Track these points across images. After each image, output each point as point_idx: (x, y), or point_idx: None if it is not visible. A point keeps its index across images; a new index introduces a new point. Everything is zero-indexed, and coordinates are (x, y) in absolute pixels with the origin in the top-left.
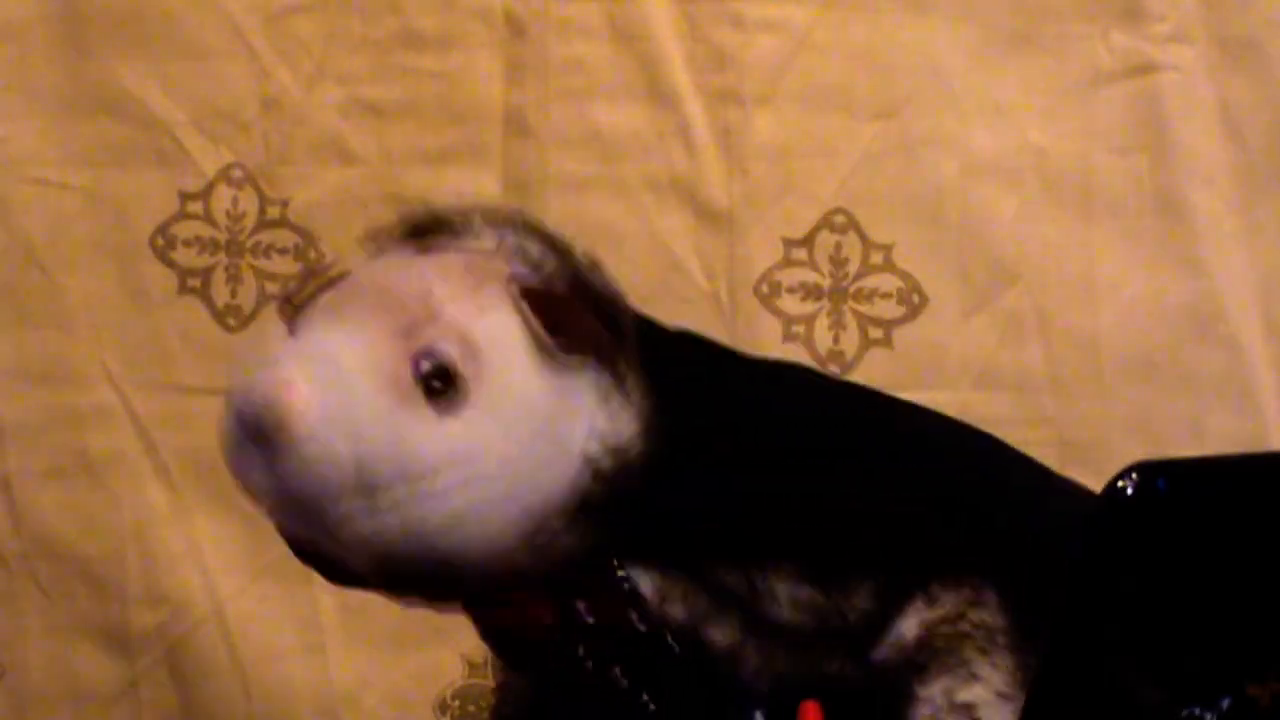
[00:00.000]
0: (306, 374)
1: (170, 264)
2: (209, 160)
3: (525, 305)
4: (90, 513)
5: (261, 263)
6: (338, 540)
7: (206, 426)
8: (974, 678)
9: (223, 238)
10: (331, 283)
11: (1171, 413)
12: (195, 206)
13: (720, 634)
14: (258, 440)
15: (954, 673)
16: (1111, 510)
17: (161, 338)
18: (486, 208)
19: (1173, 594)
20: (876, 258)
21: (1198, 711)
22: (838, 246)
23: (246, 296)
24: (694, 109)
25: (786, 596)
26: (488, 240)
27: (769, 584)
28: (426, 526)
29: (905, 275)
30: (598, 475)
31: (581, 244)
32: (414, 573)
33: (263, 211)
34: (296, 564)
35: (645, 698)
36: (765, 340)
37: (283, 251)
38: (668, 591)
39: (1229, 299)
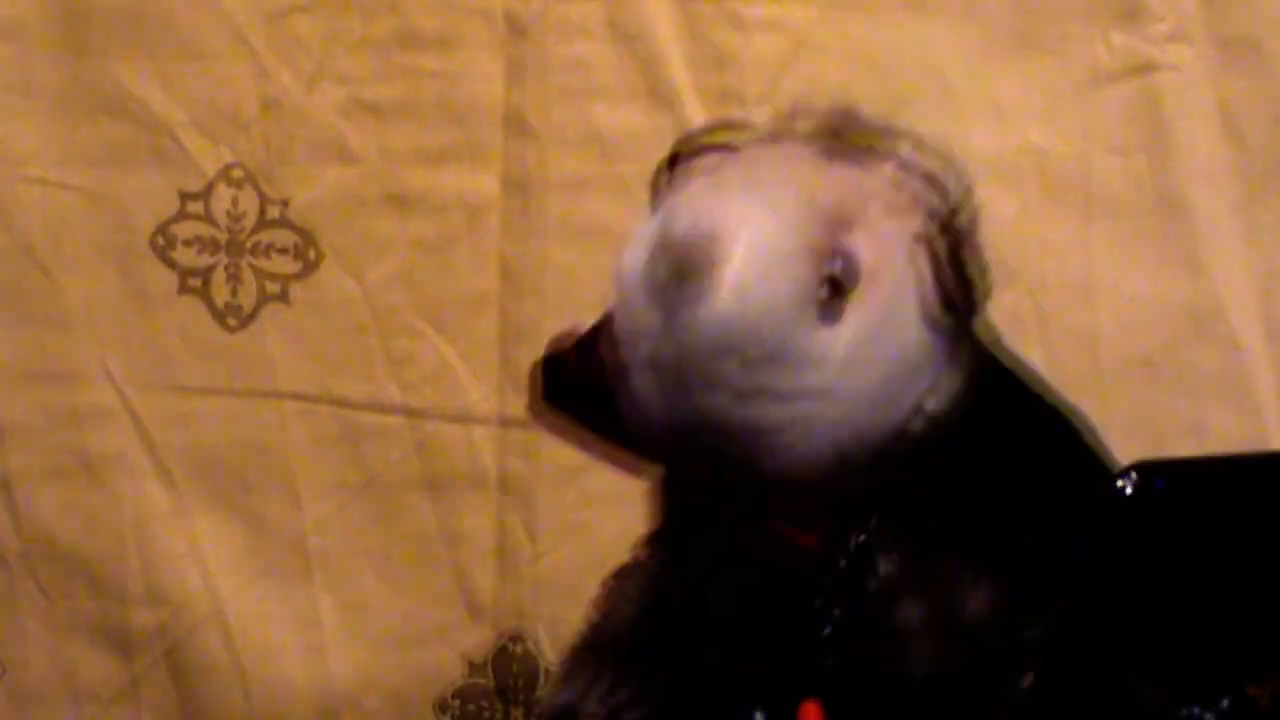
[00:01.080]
0: (743, 230)
1: (170, 264)
2: (209, 160)
3: (930, 257)
4: (90, 513)
5: (261, 262)
6: (690, 404)
7: (207, 426)
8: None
9: (223, 237)
10: (728, 149)
11: (1171, 413)
12: (195, 206)
13: (908, 614)
14: (688, 267)
15: None
16: (1111, 510)
17: (161, 338)
18: (910, 131)
19: (1173, 594)
20: None
21: (1198, 711)
22: None
23: (246, 296)
24: (694, 109)
25: (984, 592)
26: (906, 167)
27: (974, 578)
28: (762, 427)
29: None
30: (908, 435)
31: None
32: (704, 454)
33: (263, 211)
34: (296, 564)
35: (828, 628)
36: None
37: (283, 251)
38: (893, 554)
39: (1229, 299)
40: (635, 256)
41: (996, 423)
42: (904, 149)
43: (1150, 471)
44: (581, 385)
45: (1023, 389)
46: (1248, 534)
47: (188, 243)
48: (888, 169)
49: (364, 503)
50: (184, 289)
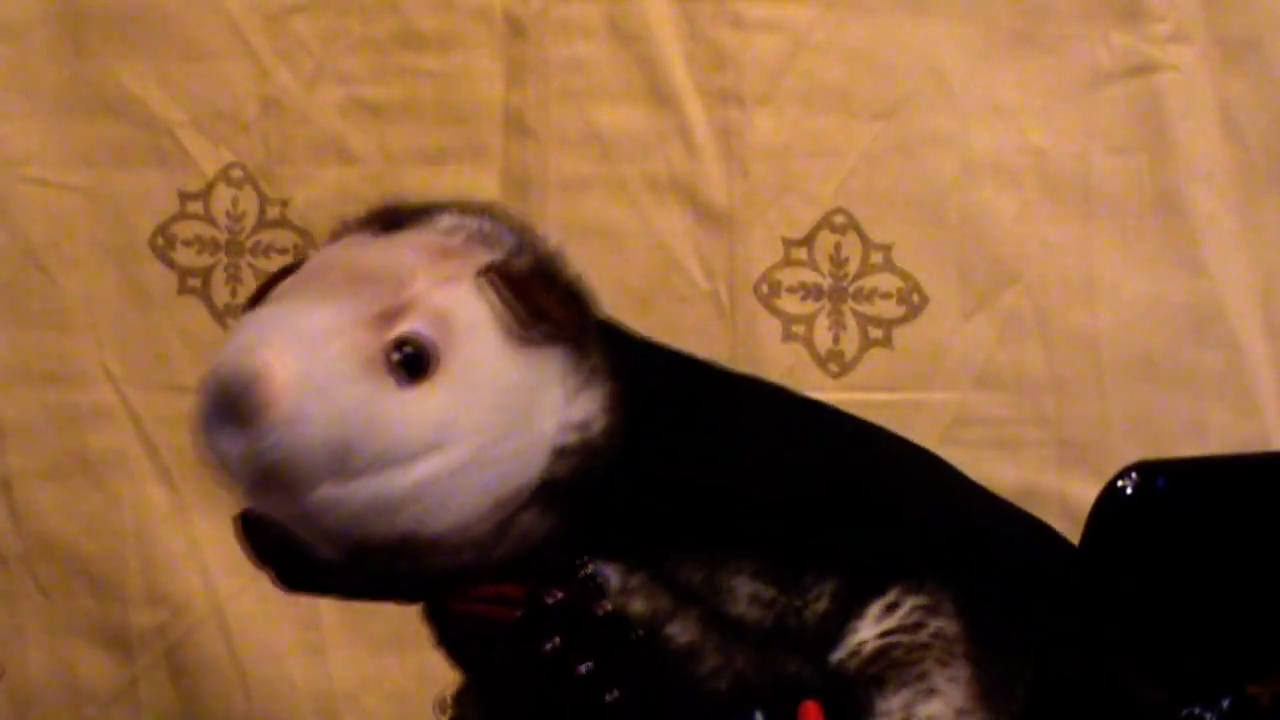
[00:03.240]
0: (285, 348)
1: (170, 264)
2: (209, 160)
3: (497, 286)
4: (90, 513)
5: (261, 262)
6: (309, 519)
7: None
8: (932, 692)
9: (223, 238)
10: (294, 268)
11: (1171, 413)
12: (195, 206)
13: (681, 631)
14: (236, 415)
15: (913, 686)
16: (1111, 510)
17: (161, 338)
18: (454, 200)
19: (1173, 594)
20: (876, 258)
21: (1198, 711)
22: (838, 246)
23: (246, 296)
24: (694, 109)
25: (746, 594)
26: (452, 226)
27: (730, 581)
28: (399, 502)
29: (905, 275)
30: (563, 456)
31: (553, 237)
32: (382, 554)
33: (263, 211)
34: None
35: (609, 691)
36: (765, 340)
37: (282, 251)
38: (630, 587)
39: (1229, 299)
40: (201, 391)
41: (664, 417)
42: (447, 214)
43: (1150, 471)
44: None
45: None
46: (1248, 534)
47: (188, 243)
48: (435, 228)
49: None
50: (184, 289)
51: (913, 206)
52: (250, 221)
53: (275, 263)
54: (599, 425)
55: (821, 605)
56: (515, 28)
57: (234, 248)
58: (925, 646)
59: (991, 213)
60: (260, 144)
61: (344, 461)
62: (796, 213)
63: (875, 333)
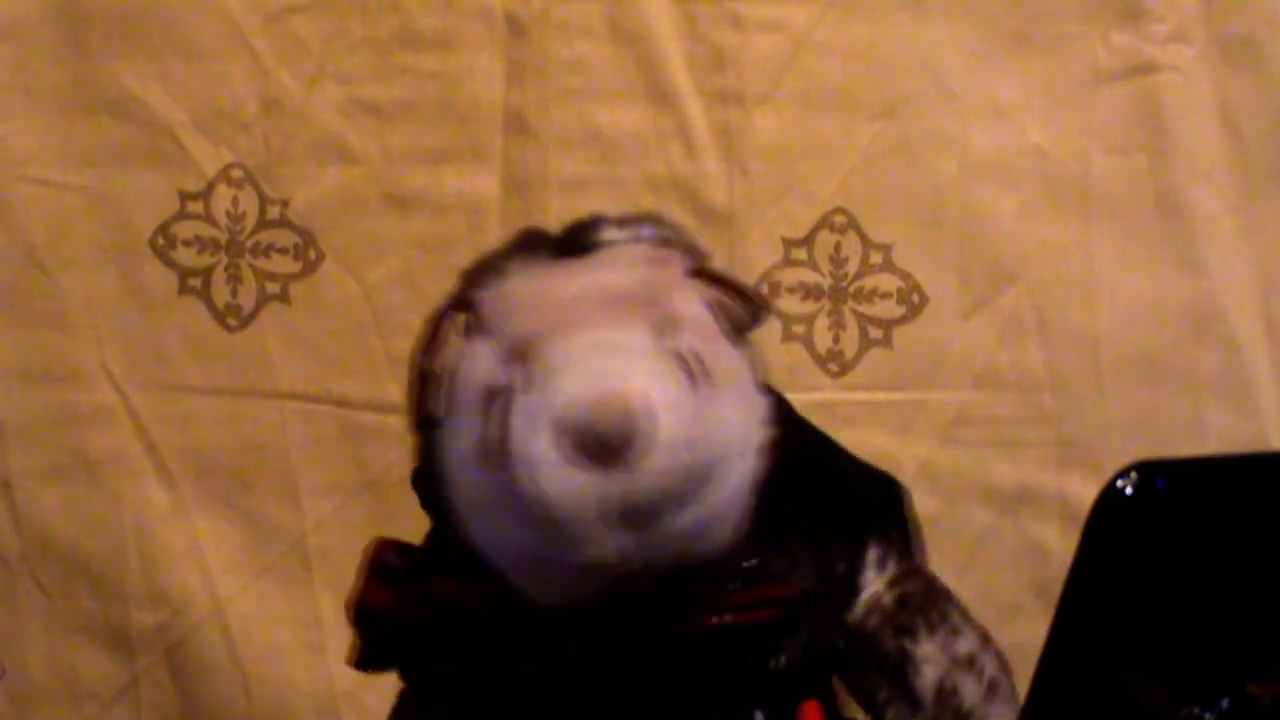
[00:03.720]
0: (633, 374)
1: (170, 264)
2: (209, 160)
3: (719, 284)
4: (90, 513)
5: (261, 263)
6: (654, 550)
7: (206, 426)
8: (957, 631)
9: (223, 238)
10: (459, 305)
11: (1171, 413)
12: (195, 206)
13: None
14: (613, 452)
15: (941, 629)
16: (1111, 510)
17: (161, 338)
18: (599, 215)
19: (1173, 594)
20: (876, 258)
21: (1198, 711)
22: (837, 246)
23: (246, 296)
24: (694, 109)
25: (807, 563)
26: (635, 236)
27: (796, 554)
28: (720, 516)
29: (905, 275)
30: (764, 453)
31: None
32: (651, 584)
33: (263, 211)
34: (296, 563)
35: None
36: (765, 340)
37: (283, 251)
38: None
39: (1229, 299)
40: (540, 446)
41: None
42: (610, 227)
43: (1150, 471)
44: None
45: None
46: (1248, 534)
47: (188, 243)
48: (627, 242)
49: (364, 503)
50: (184, 289)
51: (913, 206)
52: (250, 222)
53: (276, 263)
54: (777, 418)
55: (841, 566)
56: (515, 28)
57: (234, 248)
58: (931, 588)
59: (991, 213)
60: (260, 144)
61: (703, 480)
62: (796, 213)
63: (875, 333)
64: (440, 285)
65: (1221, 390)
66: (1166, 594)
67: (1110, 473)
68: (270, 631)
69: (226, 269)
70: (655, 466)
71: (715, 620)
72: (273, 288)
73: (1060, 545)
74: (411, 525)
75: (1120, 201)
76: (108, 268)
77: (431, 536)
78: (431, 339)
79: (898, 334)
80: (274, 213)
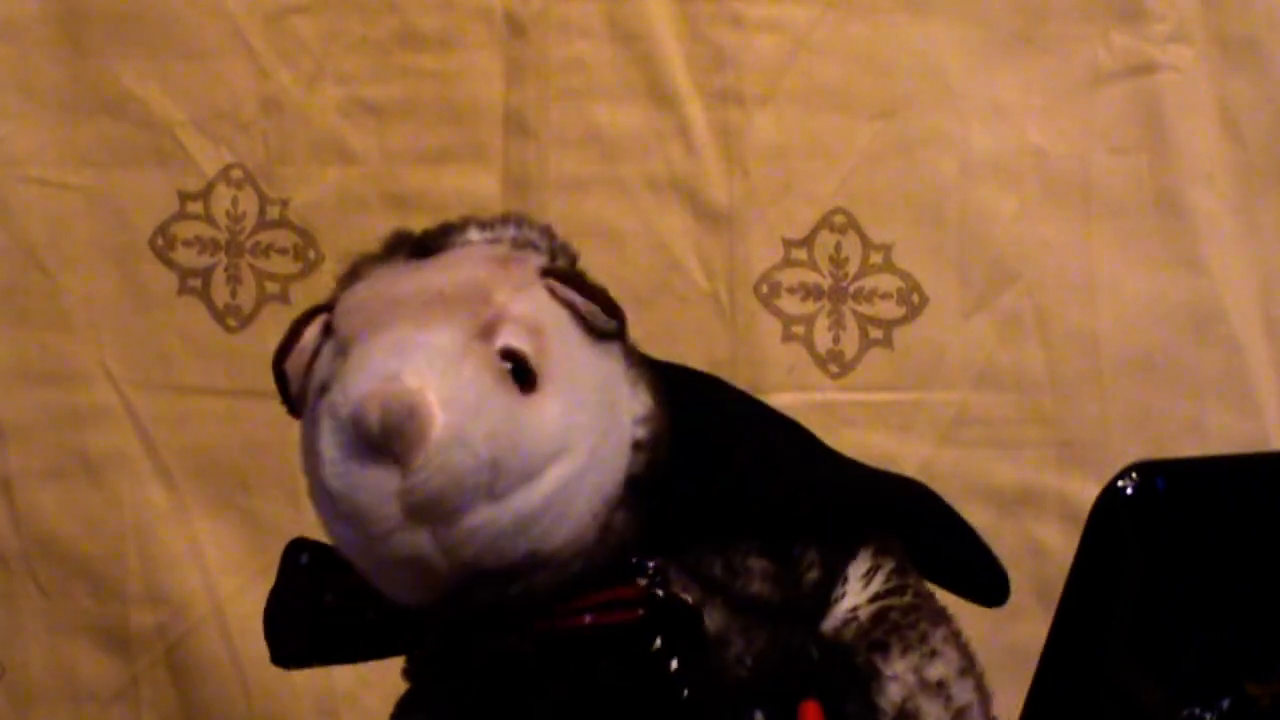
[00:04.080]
0: (429, 371)
1: (170, 264)
2: (209, 160)
3: (571, 285)
4: (90, 513)
5: (261, 263)
6: (451, 549)
7: (206, 426)
8: (935, 654)
9: (223, 238)
10: (319, 311)
11: (1171, 413)
12: (195, 206)
13: (711, 620)
14: (393, 447)
15: (916, 649)
16: (1111, 510)
17: (161, 338)
18: (470, 216)
19: (1172, 594)
20: (876, 258)
21: (1198, 711)
22: (837, 246)
23: (246, 296)
24: (694, 109)
25: (759, 570)
26: (490, 238)
27: (743, 561)
28: (536, 514)
29: (905, 275)
30: (639, 450)
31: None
32: (496, 582)
33: (263, 211)
34: None
35: (685, 687)
36: (765, 340)
37: (282, 251)
38: (670, 582)
39: (1229, 299)
40: (327, 443)
41: (691, 424)
42: (473, 228)
43: (1150, 471)
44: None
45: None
46: (1248, 534)
47: (188, 243)
48: (477, 242)
49: None
50: (184, 289)
51: (913, 206)
52: (250, 222)
53: (275, 263)
54: (658, 417)
55: (813, 575)
56: (515, 28)
57: (234, 248)
58: (916, 608)
59: (991, 213)
60: (260, 144)
61: (494, 478)
62: (796, 213)
63: (875, 333)
64: None
65: (1221, 390)
66: (1166, 594)
67: (1110, 473)
68: None
69: (226, 269)
70: (432, 463)
71: (573, 621)
72: (273, 288)
73: (1060, 545)
74: None
75: (1120, 201)
76: (108, 268)
77: None
78: (286, 340)
79: (898, 334)
80: (274, 213)
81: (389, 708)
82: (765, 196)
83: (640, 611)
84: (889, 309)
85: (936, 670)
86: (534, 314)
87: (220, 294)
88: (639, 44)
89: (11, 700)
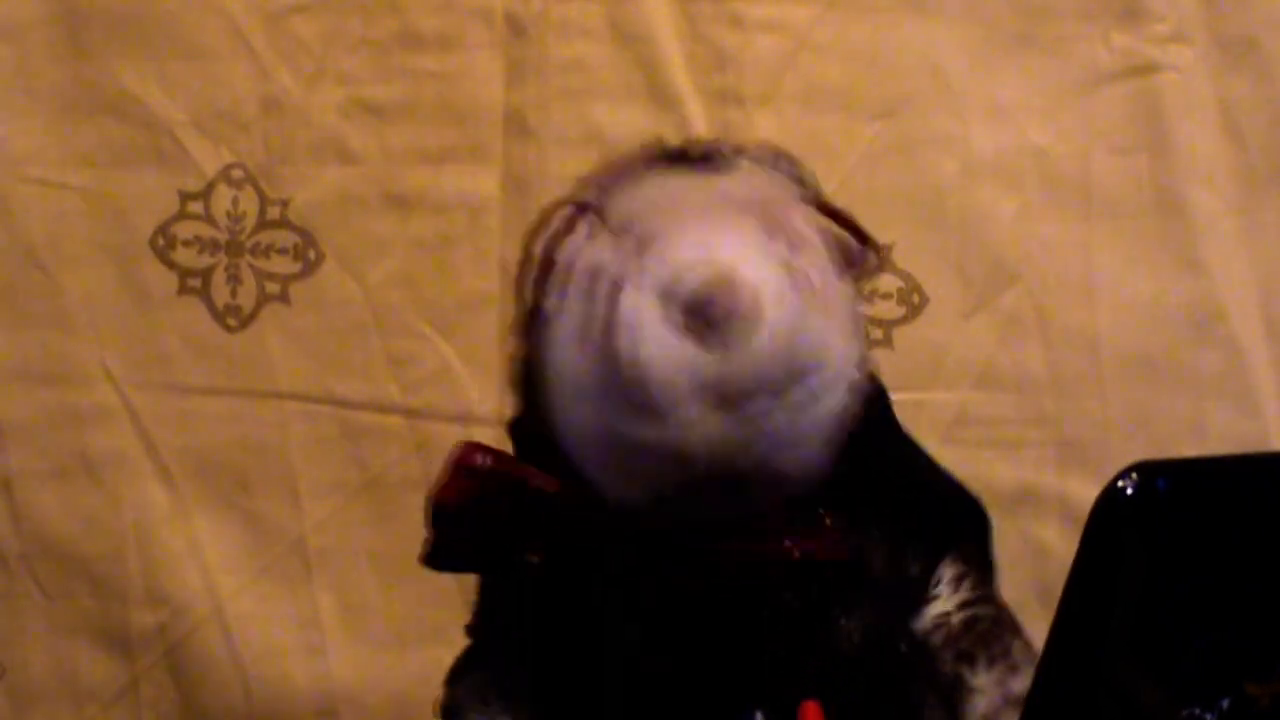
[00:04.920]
0: (750, 261)
1: (170, 264)
2: (209, 160)
3: (835, 216)
4: (90, 513)
5: (261, 262)
6: (733, 442)
7: (207, 426)
8: (1015, 668)
9: (223, 238)
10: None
11: (1171, 413)
12: (195, 206)
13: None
14: (718, 329)
15: (1001, 663)
16: (1111, 510)
17: (161, 338)
18: (732, 143)
19: (1173, 594)
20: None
21: (1198, 711)
22: None
23: (246, 296)
24: (694, 109)
25: (883, 551)
26: (761, 165)
27: (869, 544)
28: (807, 423)
29: (905, 275)
30: (853, 393)
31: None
32: (728, 489)
33: (263, 211)
34: (296, 563)
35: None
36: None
37: (282, 251)
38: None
39: (1229, 299)
40: (637, 313)
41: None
42: (745, 156)
43: (1150, 471)
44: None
45: None
46: (1248, 534)
47: (188, 243)
48: (751, 167)
49: (364, 503)
50: (184, 289)
51: (913, 206)
52: (250, 221)
53: (275, 263)
54: (867, 364)
55: (916, 568)
56: (515, 28)
57: (234, 248)
58: (999, 621)
59: (991, 213)
60: (260, 144)
61: (798, 372)
62: None
63: (875, 333)
64: (440, 285)
65: (1221, 390)
66: (1166, 594)
67: (1110, 473)
68: (270, 631)
69: (226, 269)
70: (755, 349)
71: (774, 545)
72: (273, 288)
73: (1060, 545)
74: (411, 526)
75: (1120, 201)
76: (108, 268)
77: (516, 435)
78: (559, 230)
79: (898, 334)
80: (274, 213)
81: (389, 707)
82: None
83: (845, 552)
84: (889, 309)
85: (1019, 684)
86: (811, 237)
87: (220, 294)
88: (639, 44)
89: (11, 700)
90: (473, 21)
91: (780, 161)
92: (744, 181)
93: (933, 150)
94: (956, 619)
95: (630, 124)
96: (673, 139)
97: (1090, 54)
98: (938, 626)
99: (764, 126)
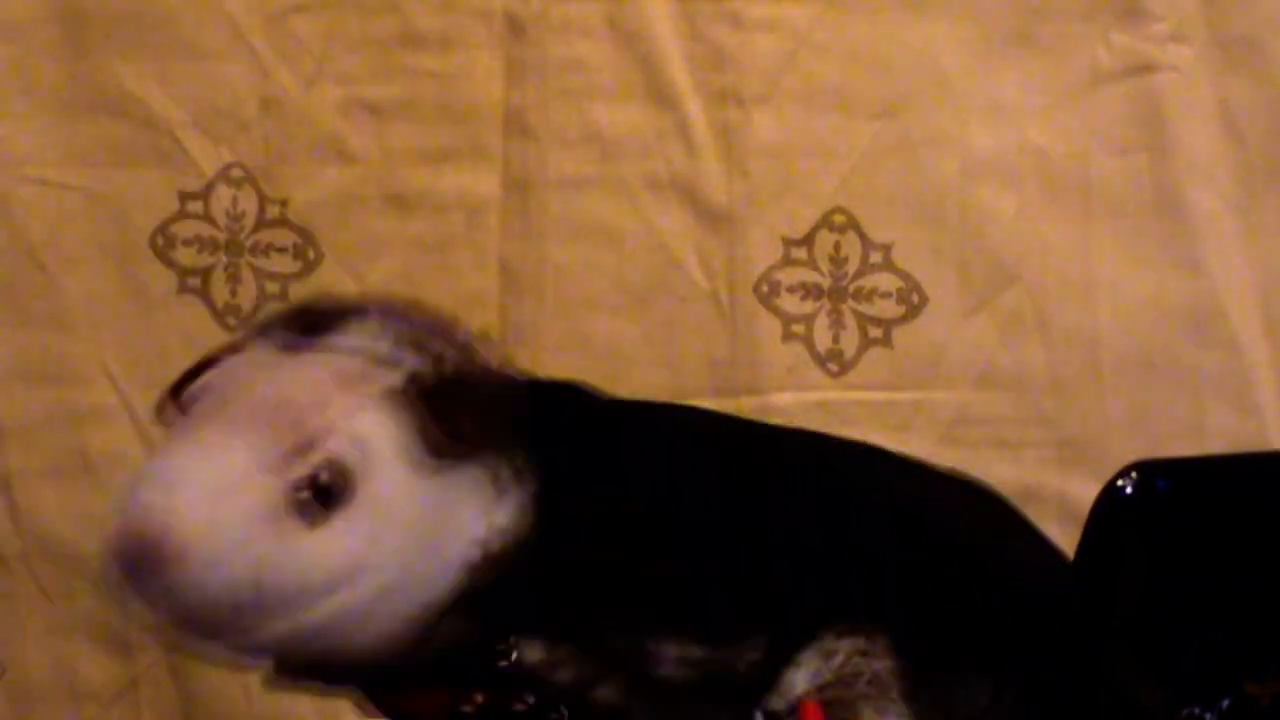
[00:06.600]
0: (195, 501)
1: (170, 264)
2: (209, 160)
3: (409, 409)
4: (90, 513)
5: (261, 262)
6: (231, 647)
7: None
8: None
9: (222, 237)
10: (211, 363)
11: (1171, 413)
12: (195, 206)
13: (609, 693)
14: (148, 568)
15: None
16: (1111, 510)
17: (161, 338)
18: (370, 301)
19: (1173, 594)
20: (876, 257)
21: (1198, 711)
22: (837, 246)
23: (246, 296)
24: (694, 109)
25: (673, 658)
26: (358, 346)
27: (654, 647)
28: (314, 632)
29: (905, 275)
30: (483, 567)
31: (465, 323)
32: (306, 666)
33: (262, 211)
34: None
35: None
36: (765, 339)
37: (282, 251)
38: (556, 659)
39: (1229, 299)
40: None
41: (588, 493)
42: (355, 320)
43: (1150, 471)
44: None
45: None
46: (1248, 534)
47: (187, 243)
48: (344, 345)
49: None
50: (184, 289)
51: (913, 206)
52: (250, 221)
53: (275, 262)
54: (514, 532)
55: (754, 655)
56: (515, 28)
57: (234, 247)
58: (863, 697)
59: (991, 213)
60: (260, 144)
61: (258, 605)
62: (796, 212)
63: (875, 332)
64: (440, 285)
65: (1221, 390)
66: (1166, 594)
67: (1110, 473)
68: None
69: (226, 269)
70: (195, 588)
71: (393, 702)
72: (272, 288)
73: (1060, 545)
74: None
75: (1120, 201)
76: (108, 268)
77: None
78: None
79: (898, 334)
80: (273, 212)
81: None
82: (765, 196)
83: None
84: (889, 309)
85: None
86: (359, 437)
87: (220, 294)
88: (639, 44)
89: (11, 700)
90: (473, 21)
91: (405, 324)
92: (302, 382)
93: (933, 150)
94: (813, 687)
95: (630, 123)
96: (673, 139)
97: (1090, 53)
98: (787, 702)
99: (763, 126)
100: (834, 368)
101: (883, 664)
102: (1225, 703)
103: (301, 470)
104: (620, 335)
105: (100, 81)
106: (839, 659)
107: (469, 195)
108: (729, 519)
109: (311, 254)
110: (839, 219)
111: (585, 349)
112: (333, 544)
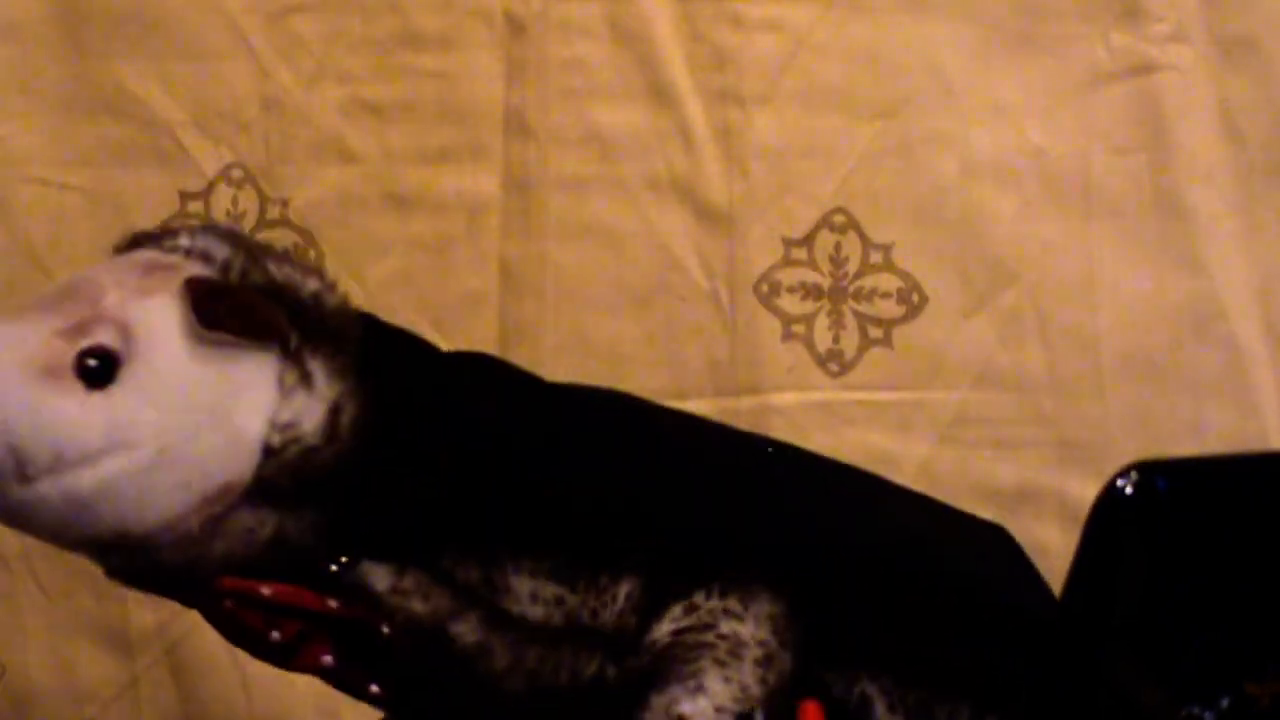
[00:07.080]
0: None
1: None
2: (209, 160)
3: (183, 295)
4: None
5: None
6: (14, 519)
7: None
8: (700, 690)
9: None
10: None
11: (1171, 413)
12: (195, 206)
13: (466, 630)
14: None
15: (684, 683)
16: (1111, 510)
17: None
18: (201, 224)
19: (1172, 594)
20: (876, 257)
21: (1197, 711)
22: (837, 246)
23: None
24: (694, 109)
25: (528, 593)
26: (175, 245)
27: (507, 579)
28: (90, 498)
29: (905, 275)
30: (274, 455)
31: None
32: (111, 551)
33: (263, 211)
34: None
35: (375, 690)
36: (765, 340)
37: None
38: (404, 587)
39: (1229, 299)
40: None
41: (431, 418)
42: (180, 236)
43: (1150, 471)
44: None
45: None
46: (1248, 534)
47: None
48: (158, 247)
49: None
50: None
51: (913, 206)
52: (250, 221)
53: None
54: (311, 425)
55: (618, 605)
56: (515, 28)
57: None
58: (708, 645)
59: (991, 213)
60: (260, 144)
61: (22, 465)
62: (796, 213)
63: (875, 332)
64: (440, 285)
65: (1221, 390)
66: (1166, 594)
67: (1110, 473)
68: None
69: None
70: None
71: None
72: None
73: (1060, 545)
74: None
75: (1120, 201)
76: None
77: None
78: None
79: (898, 334)
80: (274, 212)
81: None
82: (765, 196)
83: (332, 604)
84: (889, 308)
85: (690, 706)
86: (137, 318)
87: None
88: (639, 44)
89: (11, 700)
90: (473, 21)
91: (203, 241)
92: (99, 270)
93: (933, 150)
94: (660, 645)
95: (630, 123)
96: (673, 139)
97: (1090, 54)
98: (644, 653)
99: (764, 126)
100: (834, 368)
101: (744, 629)
102: (1225, 703)
103: (81, 344)
104: (620, 335)
105: (100, 81)
106: (698, 614)
107: (469, 195)
108: (585, 459)
109: (312, 254)
110: (839, 219)
111: (585, 349)
112: (97, 408)
